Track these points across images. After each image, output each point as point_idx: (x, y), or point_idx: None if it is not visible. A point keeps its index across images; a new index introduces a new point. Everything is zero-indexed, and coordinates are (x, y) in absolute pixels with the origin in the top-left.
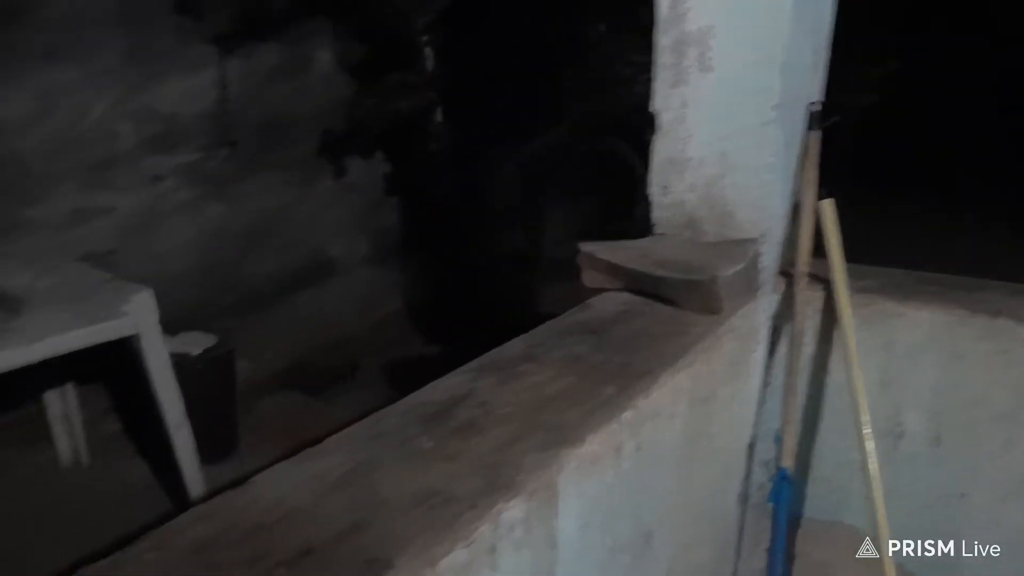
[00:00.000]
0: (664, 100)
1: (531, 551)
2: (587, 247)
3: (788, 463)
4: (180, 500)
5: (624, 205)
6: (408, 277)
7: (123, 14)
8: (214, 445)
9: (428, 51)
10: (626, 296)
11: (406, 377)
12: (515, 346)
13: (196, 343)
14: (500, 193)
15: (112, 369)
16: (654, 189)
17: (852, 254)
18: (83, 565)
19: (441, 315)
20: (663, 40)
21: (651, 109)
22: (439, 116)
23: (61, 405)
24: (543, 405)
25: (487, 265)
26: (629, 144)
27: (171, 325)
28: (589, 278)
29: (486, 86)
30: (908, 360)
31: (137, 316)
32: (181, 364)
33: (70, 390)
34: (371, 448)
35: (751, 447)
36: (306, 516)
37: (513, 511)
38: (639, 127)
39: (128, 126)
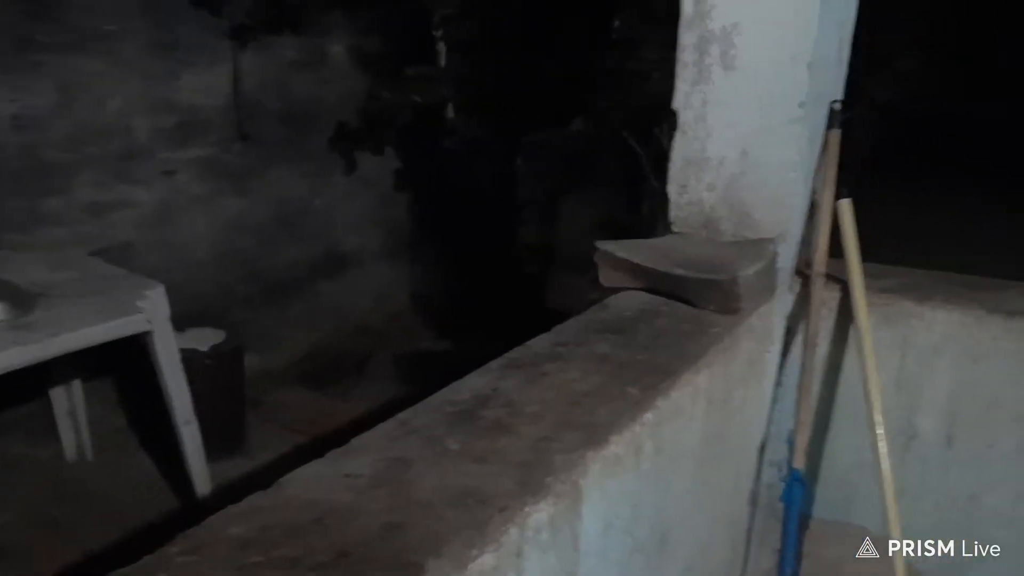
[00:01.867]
0: (685, 98)
1: (555, 554)
2: (604, 246)
3: (800, 464)
4: (186, 496)
5: (635, 201)
6: (419, 271)
7: (143, 8)
8: (221, 441)
9: (442, 46)
10: (645, 295)
11: (417, 371)
12: (539, 344)
13: (205, 339)
14: (512, 187)
15: (118, 363)
16: (672, 188)
17: (872, 251)
18: (104, 563)
19: (452, 309)
20: (686, 38)
21: (673, 107)
22: (451, 111)
23: (67, 400)
24: (570, 405)
25: (498, 259)
26: (640, 140)
27: (184, 318)
28: (606, 277)
29: (499, 81)
30: (923, 361)
31: (151, 312)
32: (189, 360)
33: (76, 385)
34: (400, 448)
35: (763, 448)
36: (341, 517)
37: (540, 513)
38: (651, 124)
39: (145, 119)
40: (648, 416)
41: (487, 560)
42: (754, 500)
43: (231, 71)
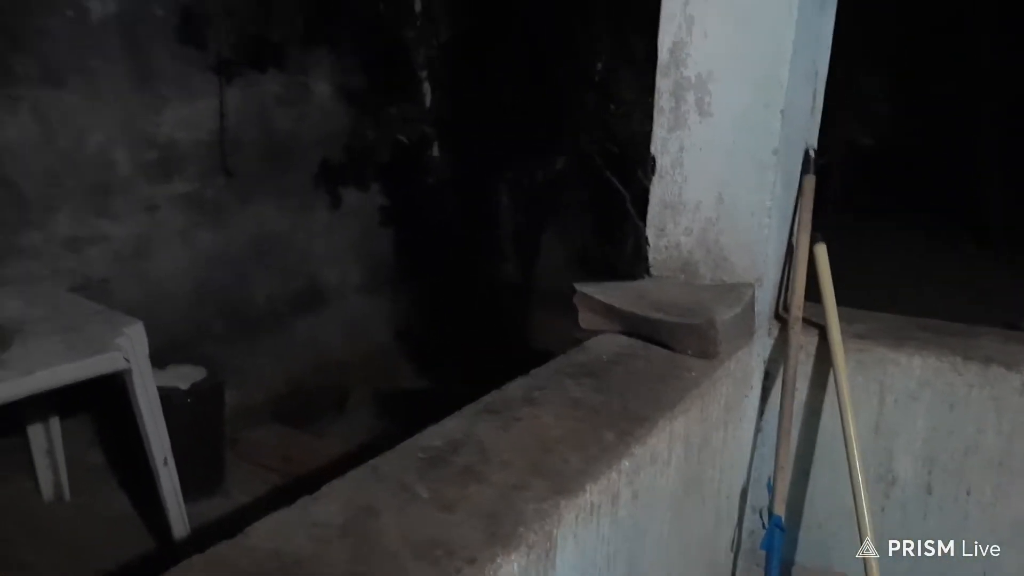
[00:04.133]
0: (662, 144)
1: None
2: (584, 288)
3: (780, 510)
4: (164, 538)
5: (617, 239)
6: (400, 307)
7: (125, 42)
8: (200, 480)
9: (427, 85)
10: (623, 338)
11: (396, 408)
12: (514, 388)
13: (185, 377)
14: (493, 225)
15: (97, 399)
16: (650, 231)
17: (844, 291)
18: None
19: (432, 345)
20: (662, 84)
21: (651, 152)
22: (436, 149)
23: (45, 438)
24: (542, 451)
25: (478, 296)
26: (621, 180)
27: (163, 353)
28: (585, 319)
29: (483, 120)
30: (901, 406)
31: (129, 349)
32: (169, 398)
33: (54, 423)
34: (369, 496)
35: (744, 493)
36: (304, 568)
37: (512, 564)
38: (631, 164)
39: (126, 153)
40: (625, 463)
41: None
42: (736, 546)
43: (215, 106)
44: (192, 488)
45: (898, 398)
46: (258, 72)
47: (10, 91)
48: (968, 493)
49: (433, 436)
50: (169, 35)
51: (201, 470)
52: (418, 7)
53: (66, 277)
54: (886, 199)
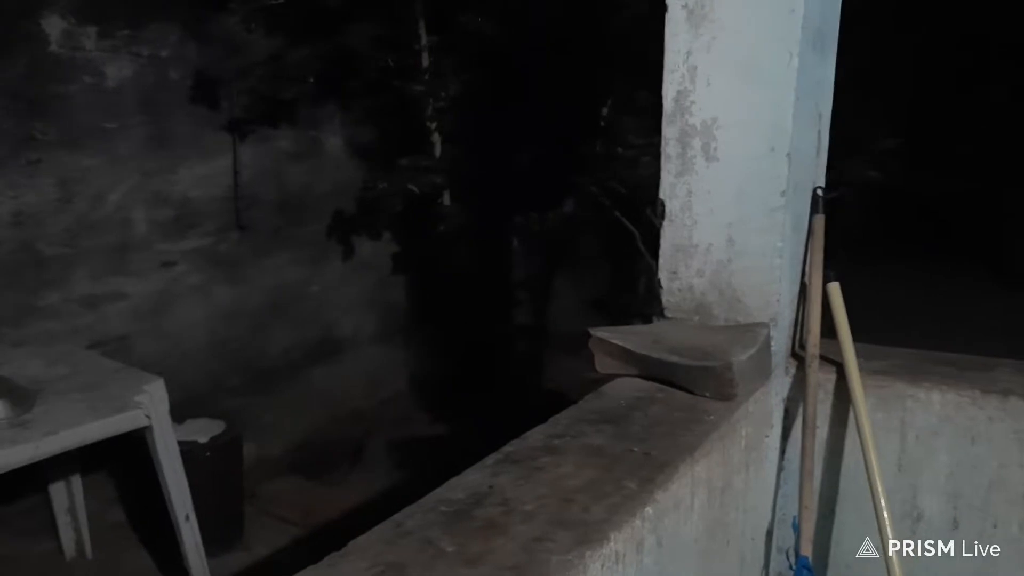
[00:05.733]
0: (671, 188)
1: None
2: (599, 333)
3: (807, 550)
4: None
5: (629, 279)
6: (414, 354)
7: (140, 104)
8: (219, 534)
9: (437, 136)
10: (640, 382)
11: (412, 457)
12: (533, 437)
13: (203, 431)
14: (505, 269)
15: (117, 455)
16: (663, 274)
17: (858, 328)
18: None
19: (446, 392)
20: (668, 132)
21: (659, 197)
22: (447, 198)
23: (66, 496)
24: (565, 502)
25: (492, 341)
26: (631, 220)
27: (181, 407)
28: (602, 364)
29: (492, 168)
30: (923, 442)
31: (149, 407)
32: (189, 452)
33: (76, 480)
34: (395, 551)
35: (769, 534)
36: None
37: None
38: (640, 204)
39: (142, 212)
40: (648, 510)
41: None
42: None
43: (229, 163)
44: (212, 542)
45: (919, 434)
46: (270, 128)
47: (29, 155)
48: (995, 527)
49: (455, 489)
50: (184, 97)
51: (221, 524)
52: (426, 62)
53: (84, 335)
54: (897, 235)
